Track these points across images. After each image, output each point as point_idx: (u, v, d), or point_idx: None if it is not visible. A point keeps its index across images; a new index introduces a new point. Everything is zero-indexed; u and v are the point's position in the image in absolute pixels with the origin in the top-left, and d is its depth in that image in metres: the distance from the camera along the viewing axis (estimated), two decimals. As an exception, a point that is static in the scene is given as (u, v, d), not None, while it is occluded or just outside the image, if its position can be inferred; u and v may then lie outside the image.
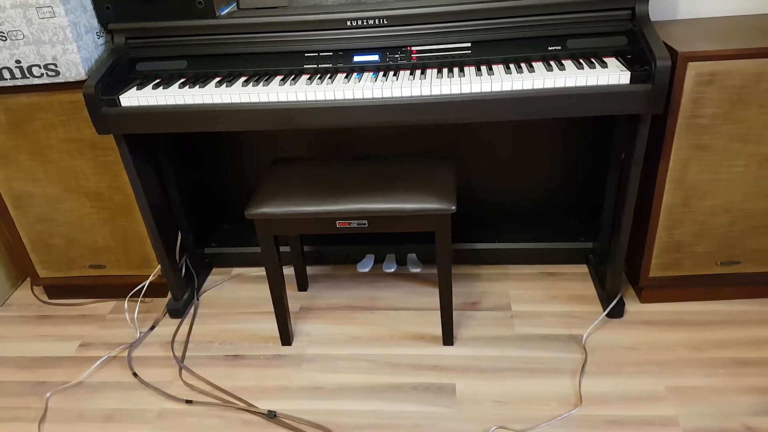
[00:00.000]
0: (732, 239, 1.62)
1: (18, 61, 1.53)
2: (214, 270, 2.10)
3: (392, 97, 1.40)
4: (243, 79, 1.53)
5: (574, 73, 1.37)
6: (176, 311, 1.87)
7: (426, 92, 1.39)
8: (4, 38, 1.50)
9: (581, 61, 1.43)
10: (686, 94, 1.42)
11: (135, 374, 1.66)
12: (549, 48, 1.47)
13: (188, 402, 1.56)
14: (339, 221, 1.49)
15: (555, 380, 1.53)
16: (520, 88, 1.37)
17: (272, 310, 1.74)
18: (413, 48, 1.52)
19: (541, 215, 2.03)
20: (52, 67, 1.53)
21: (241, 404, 1.54)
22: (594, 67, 1.38)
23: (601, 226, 1.80)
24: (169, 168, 1.81)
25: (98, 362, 1.72)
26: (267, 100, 1.44)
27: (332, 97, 1.42)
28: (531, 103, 1.37)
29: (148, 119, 1.49)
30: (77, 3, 1.51)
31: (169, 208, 1.85)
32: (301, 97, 1.43)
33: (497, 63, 1.47)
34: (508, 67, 1.43)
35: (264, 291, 1.96)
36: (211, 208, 2.13)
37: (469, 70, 1.45)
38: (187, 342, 1.77)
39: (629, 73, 1.34)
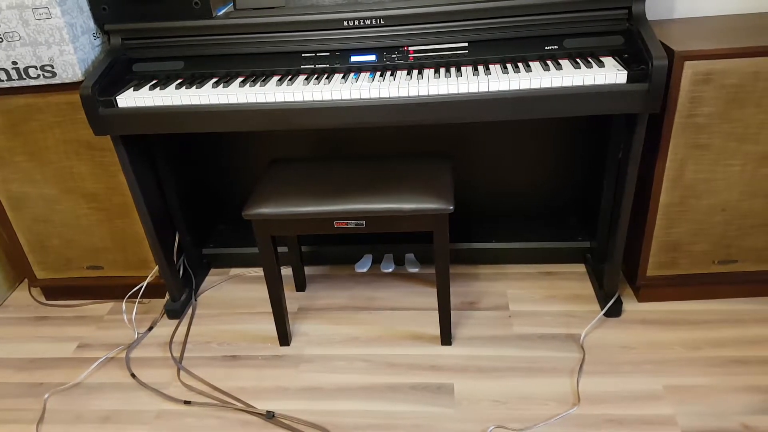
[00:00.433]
0: (729, 238, 1.63)
1: (14, 63, 1.53)
2: (212, 270, 2.09)
3: (389, 98, 1.40)
4: (240, 79, 1.52)
5: (571, 72, 1.37)
6: (174, 312, 1.87)
7: (423, 92, 1.39)
8: (0, 40, 1.49)
9: (578, 60, 1.43)
10: (683, 93, 1.42)
11: (133, 375, 1.66)
12: (546, 47, 1.47)
13: (186, 403, 1.56)
14: (337, 221, 1.49)
15: (553, 379, 1.53)
16: (517, 87, 1.37)
17: (270, 310, 1.75)
18: (410, 48, 1.52)
19: (539, 215, 2.04)
20: (49, 68, 1.53)
21: (240, 405, 1.54)
22: (591, 67, 1.38)
23: (599, 225, 1.81)
24: (166, 169, 1.81)
25: (96, 363, 1.72)
26: (264, 100, 1.44)
27: (329, 98, 1.42)
28: (528, 102, 1.37)
29: (145, 120, 1.49)
30: (74, 4, 1.50)
31: (166, 209, 1.85)
32: (298, 98, 1.43)
33: (494, 63, 1.47)
34: (505, 67, 1.43)
35: (262, 291, 1.95)
36: (209, 209, 2.13)
37: (466, 70, 1.45)
38: (185, 343, 1.77)
39: (626, 72, 1.34)
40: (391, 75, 1.46)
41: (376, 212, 1.46)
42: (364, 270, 1.90)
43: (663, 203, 1.58)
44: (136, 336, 1.81)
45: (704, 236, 1.63)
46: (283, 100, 1.44)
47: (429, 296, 1.87)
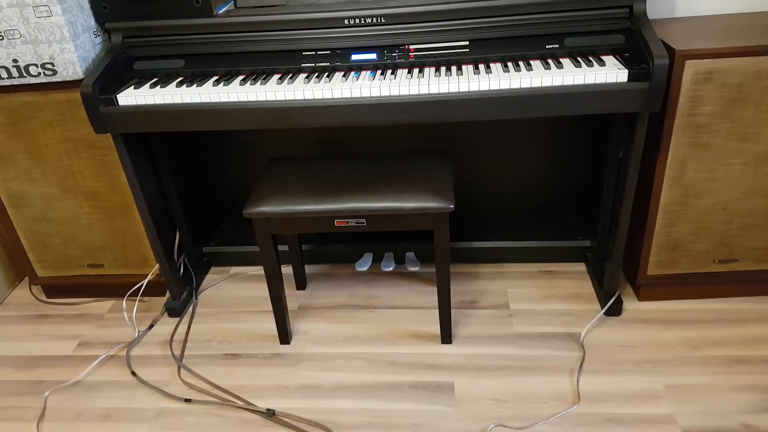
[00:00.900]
0: (729, 237, 1.63)
1: (15, 60, 1.53)
2: (213, 269, 2.10)
3: (390, 96, 1.40)
4: (240, 77, 1.52)
5: (572, 71, 1.37)
6: (174, 310, 1.87)
7: (424, 91, 1.39)
8: (1, 37, 1.49)
9: (579, 59, 1.43)
10: (684, 92, 1.42)
11: (133, 373, 1.66)
12: (547, 46, 1.47)
13: (187, 401, 1.56)
14: (337, 220, 1.49)
15: (553, 378, 1.53)
16: (518, 86, 1.37)
17: (270, 309, 1.75)
18: (411, 46, 1.52)
19: (539, 214, 2.04)
20: (49, 66, 1.53)
21: (240, 403, 1.54)
22: (592, 66, 1.38)
23: (599, 224, 1.81)
24: (166, 167, 1.81)
25: (96, 361, 1.72)
26: (264, 99, 1.44)
27: (330, 96, 1.42)
28: (529, 101, 1.37)
29: (145, 118, 1.49)
30: (74, 2, 1.50)
31: (167, 207, 1.85)
32: (299, 96, 1.43)
33: (495, 61, 1.47)
34: (506, 66, 1.43)
35: (262, 290, 1.96)
36: (209, 207, 2.13)
37: (467, 69, 1.45)
38: (185, 341, 1.77)
39: (627, 71, 1.34)
40: (392, 74, 1.46)
41: (377, 211, 1.46)
42: (365, 269, 1.90)
43: (663, 202, 1.58)
44: (137, 334, 1.81)
45: (705, 235, 1.63)
46: (283, 98, 1.44)
47: (429, 295, 1.87)
